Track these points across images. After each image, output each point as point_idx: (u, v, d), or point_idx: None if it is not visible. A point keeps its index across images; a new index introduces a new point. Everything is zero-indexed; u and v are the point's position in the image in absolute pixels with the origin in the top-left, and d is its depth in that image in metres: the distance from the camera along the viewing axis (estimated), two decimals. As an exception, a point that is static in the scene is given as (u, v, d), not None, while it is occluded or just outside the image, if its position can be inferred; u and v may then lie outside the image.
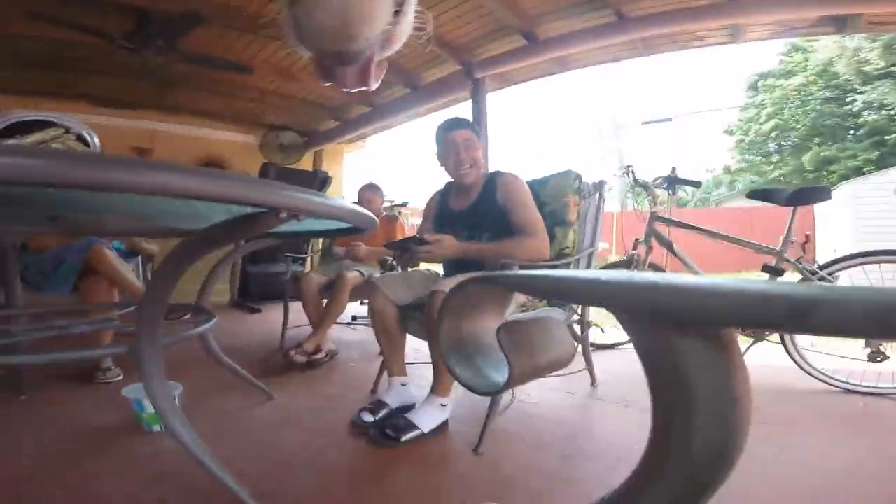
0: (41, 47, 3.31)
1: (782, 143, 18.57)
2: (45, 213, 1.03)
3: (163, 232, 1.55)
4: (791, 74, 17.96)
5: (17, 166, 0.43)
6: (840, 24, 2.89)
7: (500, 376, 0.37)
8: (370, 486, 1.17)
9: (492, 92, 3.92)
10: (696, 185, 2.65)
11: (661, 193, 2.74)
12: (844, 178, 12.77)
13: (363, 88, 0.41)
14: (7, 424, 1.49)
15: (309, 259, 4.24)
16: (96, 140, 1.16)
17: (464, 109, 3.64)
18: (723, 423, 0.22)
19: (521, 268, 1.59)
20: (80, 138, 1.15)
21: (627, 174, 2.86)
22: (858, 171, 13.96)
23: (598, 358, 2.24)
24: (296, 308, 2.74)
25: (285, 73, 4.01)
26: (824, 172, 15.81)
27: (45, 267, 1.96)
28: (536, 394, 1.87)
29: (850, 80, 15.54)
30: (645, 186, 2.70)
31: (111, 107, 4.34)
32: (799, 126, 17.29)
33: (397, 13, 0.37)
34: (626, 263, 2.52)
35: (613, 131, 12.85)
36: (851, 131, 16.73)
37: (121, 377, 1.94)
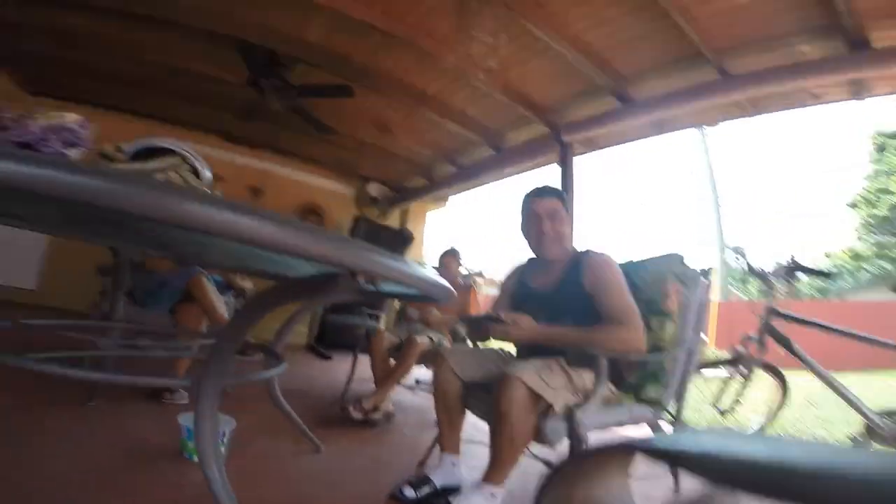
0: (187, 80, 3.74)
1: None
2: (157, 241, 1.14)
3: (257, 273, 1.67)
4: (924, 134, 14.94)
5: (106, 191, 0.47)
6: None
7: None
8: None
9: (578, 155, 3.72)
10: (826, 275, 2.30)
11: (779, 284, 2.38)
12: None
13: None
14: (69, 429, 1.57)
15: (385, 316, 4.32)
16: (208, 173, 1.17)
17: (550, 173, 3.53)
18: None
19: (609, 360, 1.40)
20: (194, 170, 1.17)
21: (739, 258, 2.54)
22: None
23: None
24: (364, 361, 2.75)
25: (382, 126, 4.21)
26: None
27: (151, 286, 2.18)
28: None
29: None
30: (763, 276, 2.35)
31: (233, 142, 4.94)
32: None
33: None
34: (732, 362, 2.22)
35: (712, 201, 11.87)
36: None
37: (186, 401, 2.02)
